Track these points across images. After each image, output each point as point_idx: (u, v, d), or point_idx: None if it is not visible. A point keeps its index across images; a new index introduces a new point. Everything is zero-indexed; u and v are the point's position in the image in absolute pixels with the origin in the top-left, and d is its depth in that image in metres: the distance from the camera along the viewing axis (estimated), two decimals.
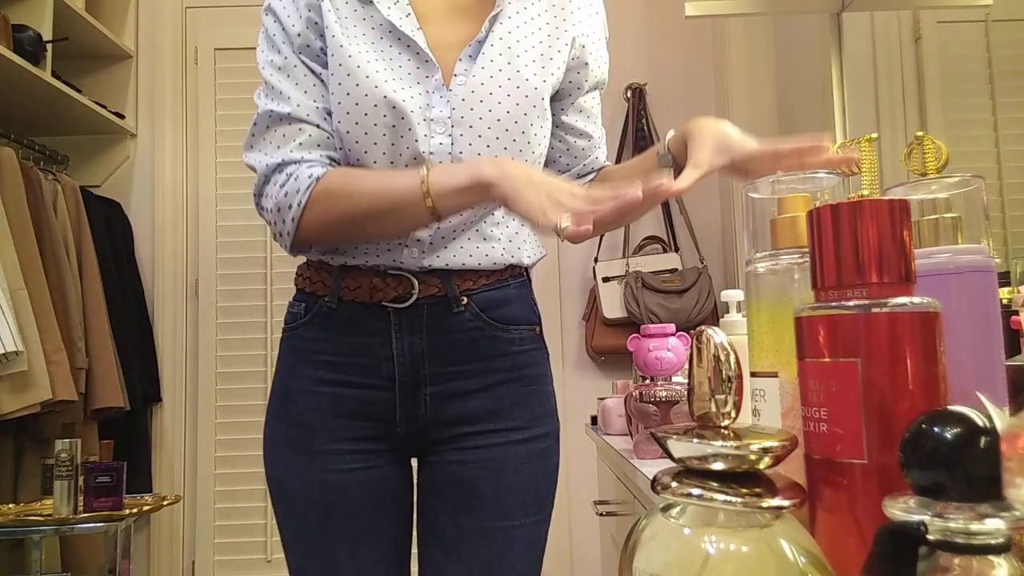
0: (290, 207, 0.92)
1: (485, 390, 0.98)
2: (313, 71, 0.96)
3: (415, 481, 1.04)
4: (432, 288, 0.96)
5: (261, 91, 0.97)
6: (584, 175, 1.13)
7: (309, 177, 0.91)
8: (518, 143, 0.96)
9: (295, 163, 0.93)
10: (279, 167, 0.94)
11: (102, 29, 2.62)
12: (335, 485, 0.96)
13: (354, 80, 0.93)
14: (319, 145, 0.95)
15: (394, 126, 0.93)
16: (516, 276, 1.03)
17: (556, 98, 1.06)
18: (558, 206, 0.79)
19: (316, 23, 0.96)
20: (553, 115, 1.06)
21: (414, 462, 1.04)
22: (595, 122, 1.12)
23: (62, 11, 2.39)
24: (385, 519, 0.99)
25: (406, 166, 0.94)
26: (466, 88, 0.95)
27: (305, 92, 0.95)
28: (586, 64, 1.06)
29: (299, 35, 0.96)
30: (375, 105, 0.92)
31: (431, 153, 0.93)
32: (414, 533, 1.03)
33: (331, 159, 0.95)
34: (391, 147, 0.94)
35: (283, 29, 0.96)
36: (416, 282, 0.95)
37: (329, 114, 0.95)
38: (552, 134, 1.06)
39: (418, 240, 0.95)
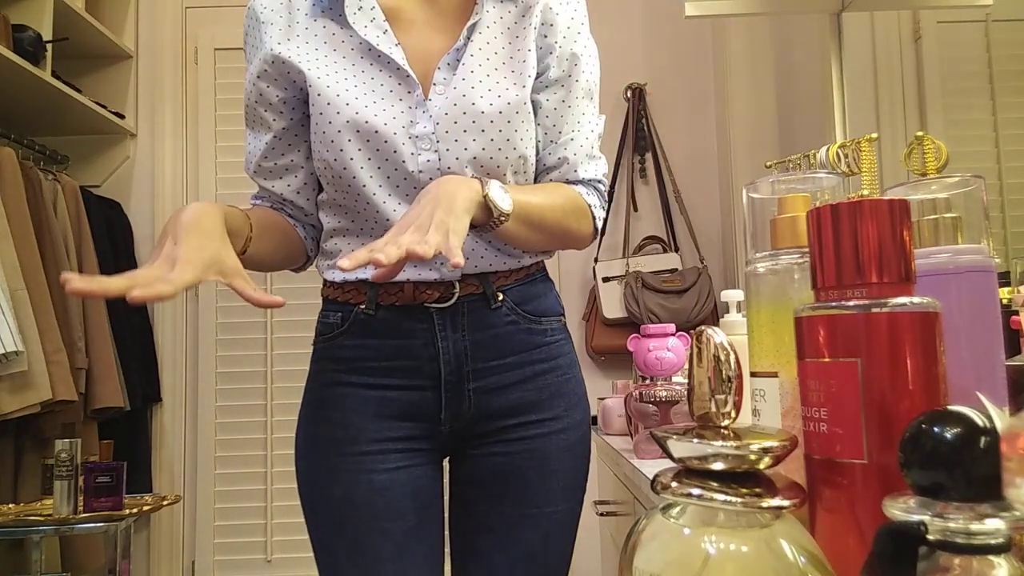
0: None
1: (525, 381, 1.01)
2: (264, 121, 1.03)
3: (447, 478, 1.06)
4: (471, 287, 0.98)
5: None
6: (540, 173, 1.06)
7: None
8: (503, 151, 0.97)
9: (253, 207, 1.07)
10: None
11: (102, 29, 2.62)
12: (381, 486, 0.97)
13: (334, 109, 0.94)
14: (259, 196, 1.07)
15: (378, 150, 0.94)
16: (540, 270, 1.06)
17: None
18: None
19: (267, 71, 1.00)
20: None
21: (445, 462, 1.06)
22: (557, 126, 1.03)
23: (62, 11, 2.39)
24: (426, 519, 1.00)
25: (397, 187, 0.95)
26: (447, 100, 0.95)
27: (253, 146, 1.05)
28: (551, 51, 1.01)
29: (254, 86, 1.02)
30: (357, 131, 0.94)
31: (420, 172, 0.94)
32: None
33: (271, 201, 1.06)
34: (378, 170, 0.95)
35: (247, 75, 1.03)
36: (456, 283, 0.98)
37: (269, 164, 1.04)
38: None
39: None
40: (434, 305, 0.97)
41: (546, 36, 1.02)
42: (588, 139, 1.05)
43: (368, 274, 0.96)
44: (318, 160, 0.99)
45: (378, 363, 0.99)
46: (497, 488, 1.01)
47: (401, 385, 0.98)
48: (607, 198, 1.10)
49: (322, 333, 1.03)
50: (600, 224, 1.07)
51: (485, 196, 0.88)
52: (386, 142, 0.94)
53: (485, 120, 0.95)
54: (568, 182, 1.05)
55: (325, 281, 1.04)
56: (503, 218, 0.89)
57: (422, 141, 0.95)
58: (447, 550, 1.05)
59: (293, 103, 1.01)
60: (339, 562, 0.98)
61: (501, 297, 1.00)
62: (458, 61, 0.97)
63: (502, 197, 0.89)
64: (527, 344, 1.01)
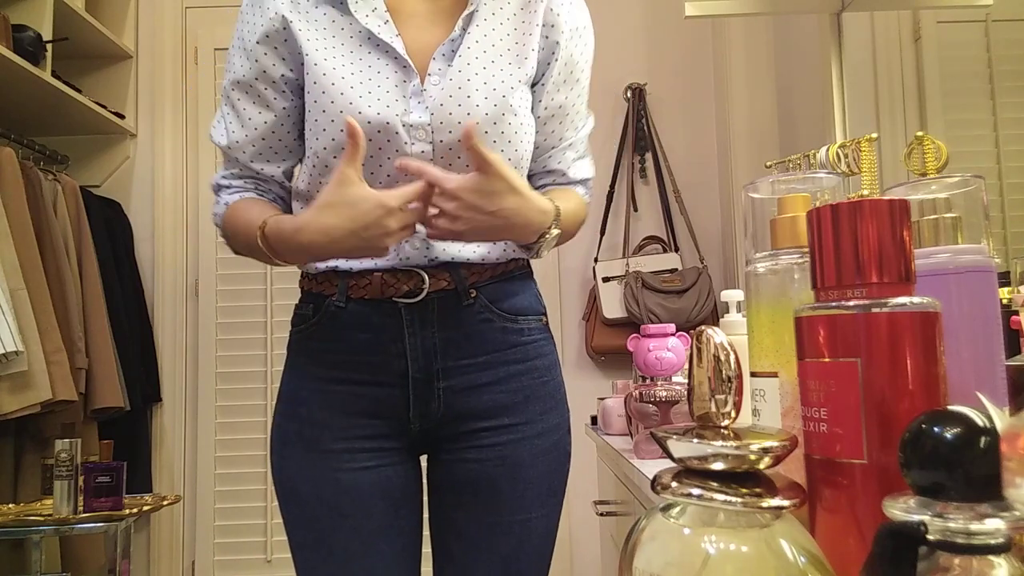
0: (218, 226, 1.05)
1: (498, 383, 0.99)
2: (263, 99, 1.00)
3: (424, 479, 1.05)
4: (442, 282, 0.97)
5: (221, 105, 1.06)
6: (534, 175, 1.08)
7: (224, 205, 1.03)
8: (498, 143, 0.96)
9: (224, 188, 1.04)
10: (217, 189, 1.05)
11: (102, 29, 2.62)
12: (347, 485, 0.96)
13: (328, 98, 0.93)
14: (242, 176, 1.04)
15: (371, 140, 0.92)
16: (520, 268, 1.04)
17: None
18: (389, 234, 0.85)
19: (269, 37, 0.99)
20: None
21: (423, 459, 1.05)
22: (557, 132, 1.06)
23: (62, 11, 2.38)
24: (397, 519, 0.99)
25: (388, 175, 0.94)
26: (443, 91, 0.94)
27: (242, 125, 1.01)
28: (553, 52, 1.02)
29: (256, 61, 0.99)
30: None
31: None
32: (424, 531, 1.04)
33: (256, 184, 1.04)
34: (370, 159, 0.94)
35: (243, 48, 1.01)
36: (426, 276, 0.96)
37: (266, 148, 1.02)
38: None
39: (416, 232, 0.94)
40: (403, 300, 0.96)
41: (547, 37, 1.02)
42: (583, 142, 1.10)
43: (348, 267, 0.97)
44: (311, 148, 0.97)
45: (346, 357, 0.98)
46: (469, 495, 1.00)
47: (368, 381, 0.97)
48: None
49: (295, 325, 1.04)
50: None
51: (537, 241, 0.96)
52: (379, 131, 0.93)
53: (479, 112, 0.94)
54: (567, 183, 1.09)
55: (302, 272, 1.04)
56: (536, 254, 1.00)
57: (416, 131, 0.94)
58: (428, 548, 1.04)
59: (293, 85, 1.00)
60: (308, 558, 0.98)
61: (474, 294, 0.98)
62: (454, 52, 0.96)
63: (549, 244, 0.97)
64: (502, 343, 0.99)
